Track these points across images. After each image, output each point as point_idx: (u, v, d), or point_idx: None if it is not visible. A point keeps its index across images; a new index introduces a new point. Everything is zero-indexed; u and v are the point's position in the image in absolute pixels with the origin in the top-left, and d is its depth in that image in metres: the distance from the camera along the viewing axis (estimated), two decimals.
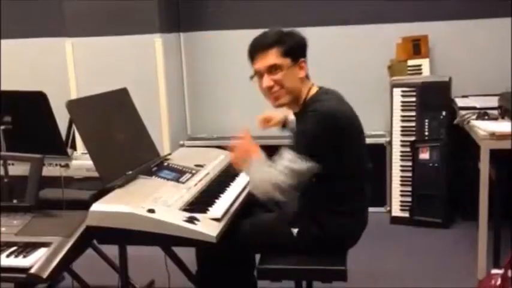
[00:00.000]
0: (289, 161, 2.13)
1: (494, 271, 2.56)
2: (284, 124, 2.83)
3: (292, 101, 2.32)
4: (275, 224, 2.37)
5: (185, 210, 2.15)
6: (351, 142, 2.26)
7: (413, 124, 4.24)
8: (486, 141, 3.10)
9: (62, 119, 2.65)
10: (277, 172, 2.13)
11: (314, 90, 2.35)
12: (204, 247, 2.17)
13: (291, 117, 2.83)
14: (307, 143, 2.16)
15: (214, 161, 2.80)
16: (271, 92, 2.29)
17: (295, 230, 2.31)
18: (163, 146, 4.51)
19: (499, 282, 2.33)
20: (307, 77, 2.35)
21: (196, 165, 2.68)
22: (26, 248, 1.97)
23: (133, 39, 4.57)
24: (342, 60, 4.64)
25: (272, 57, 2.26)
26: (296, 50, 2.28)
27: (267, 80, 2.27)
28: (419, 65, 4.44)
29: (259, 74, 2.31)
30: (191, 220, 2.04)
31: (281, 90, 2.28)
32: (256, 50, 2.30)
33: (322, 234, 2.28)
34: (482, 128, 3.19)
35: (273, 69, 2.26)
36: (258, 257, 2.42)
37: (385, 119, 4.49)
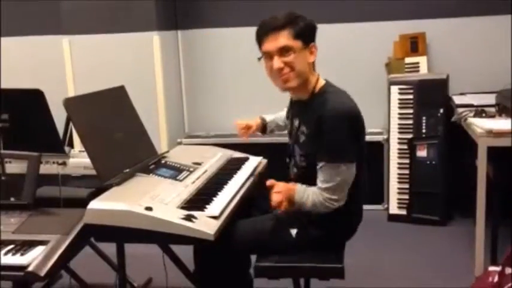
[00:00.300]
0: (332, 176, 2.17)
1: (491, 268, 2.56)
2: (264, 128, 2.84)
3: (300, 86, 2.29)
4: (273, 225, 2.36)
5: (183, 208, 2.15)
6: (361, 140, 2.29)
7: (410, 122, 4.24)
8: (483, 138, 3.10)
9: (59, 116, 2.64)
10: (325, 191, 2.19)
11: (322, 81, 2.35)
12: (201, 246, 2.17)
13: (269, 117, 2.85)
14: (339, 148, 2.18)
15: (212, 159, 2.80)
16: (281, 74, 2.25)
17: (293, 231, 2.31)
18: (160, 143, 4.51)
19: (496, 279, 2.33)
20: (314, 65, 2.34)
21: (194, 163, 2.68)
22: (24, 246, 1.96)
23: (131, 36, 4.56)
24: (339, 58, 4.63)
25: (284, 38, 2.22)
26: (307, 33, 2.26)
27: (278, 62, 2.23)
28: (417, 63, 4.44)
29: (268, 56, 2.27)
30: (189, 218, 2.04)
31: (291, 73, 2.25)
32: (266, 30, 2.25)
33: (321, 233, 2.28)
34: (480, 125, 3.19)
35: (284, 50, 2.22)
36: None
37: (382, 117, 4.50)
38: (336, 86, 2.37)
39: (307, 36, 2.26)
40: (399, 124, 4.28)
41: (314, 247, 2.29)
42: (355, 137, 2.22)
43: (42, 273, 1.87)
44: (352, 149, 2.21)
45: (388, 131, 4.34)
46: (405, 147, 4.25)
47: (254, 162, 2.84)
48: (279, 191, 2.23)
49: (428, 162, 4.18)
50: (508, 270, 2.20)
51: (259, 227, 2.36)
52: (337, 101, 2.23)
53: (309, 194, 2.21)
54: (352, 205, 2.30)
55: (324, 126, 2.19)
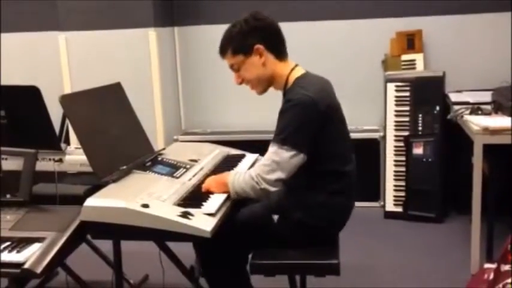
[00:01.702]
0: (272, 154, 2.21)
1: (487, 265, 2.57)
2: None
3: (269, 85, 2.38)
4: (257, 212, 2.47)
5: (179, 205, 2.15)
6: (329, 129, 2.28)
7: (407, 119, 4.25)
8: (479, 136, 3.11)
9: (55, 113, 2.64)
10: (260, 167, 2.22)
11: (299, 71, 2.35)
12: (198, 242, 2.18)
13: None
14: (288, 134, 2.19)
15: (209, 156, 2.80)
16: (246, 85, 2.40)
17: (275, 216, 2.41)
18: (157, 140, 4.50)
19: (491, 276, 2.34)
20: (280, 58, 2.35)
21: (191, 160, 2.68)
22: (20, 243, 1.96)
23: (127, 33, 4.55)
24: (336, 55, 4.63)
25: (228, 59, 2.38)
26: (245, 44, 2.31)
27: (235, 78, 2.40)
28: (413, 60, 4.44)
29: None
30: (185, 215, 2.04)
31: (249, 84, 2.39)
32: (219, 52, 2.41)
33: (301, 215, 2.31)
34: (476, 122, 3.20)
35: (234, 67, 2.37)
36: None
37: (379, 114, 4.50)
38: (313, 77, 2.36)
39: (245, 46, 2.32)
40: (395, 121, 4.29)
41: (297, 231, 2.31)
42: (308, 126, 2.20)
43: (39, 270, 1.87)
44: (300, 139, 2.20)
45: (385, 128, 4.34)
46: (401, 144, 4.25)
47: (251, 159, 2.84)
48: (212, 187, 2.32)
49: (424, 160, 4.19)
50: (503, 268, 2.21)
51: (246, 215, 2.46)
52: (297, 92, 2.24)
53: (241, 173, 2.28)
54: (335, 191, 2.32)
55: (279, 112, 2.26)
